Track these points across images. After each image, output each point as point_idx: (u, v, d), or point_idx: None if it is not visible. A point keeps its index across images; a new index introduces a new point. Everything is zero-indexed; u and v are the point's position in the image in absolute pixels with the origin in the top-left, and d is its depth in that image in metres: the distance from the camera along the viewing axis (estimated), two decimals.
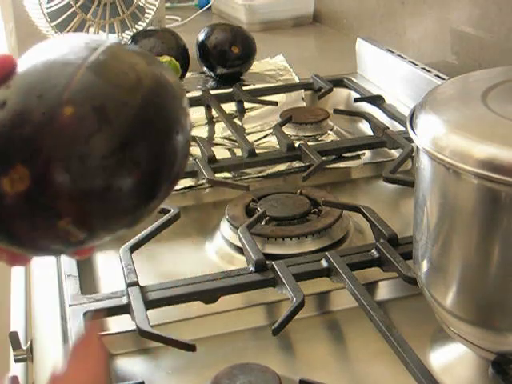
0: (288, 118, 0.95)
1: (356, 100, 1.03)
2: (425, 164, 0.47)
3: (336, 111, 0.99)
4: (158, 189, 0.34)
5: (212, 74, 1.14)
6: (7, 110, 0.31)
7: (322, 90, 1.05)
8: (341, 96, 1.09)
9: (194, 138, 0.90)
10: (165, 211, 0.71)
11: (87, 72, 0.31)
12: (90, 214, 0.32)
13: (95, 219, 0.32)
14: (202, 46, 1.13)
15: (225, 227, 0.72)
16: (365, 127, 0.99)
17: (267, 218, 0.72)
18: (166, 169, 0.34)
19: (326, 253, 0.63)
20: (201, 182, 0.81)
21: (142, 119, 0.32)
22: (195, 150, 0.89)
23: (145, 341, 0.57)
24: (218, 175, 0.81)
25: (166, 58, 1.07)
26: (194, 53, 1.14)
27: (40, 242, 0.33)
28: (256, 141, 0.95)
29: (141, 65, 0.33)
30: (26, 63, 0.33)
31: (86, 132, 0.30)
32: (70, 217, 0.31)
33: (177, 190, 0.80)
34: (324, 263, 0.62)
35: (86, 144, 0.30)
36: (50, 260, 0.69)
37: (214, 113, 1.01)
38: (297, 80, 1.13)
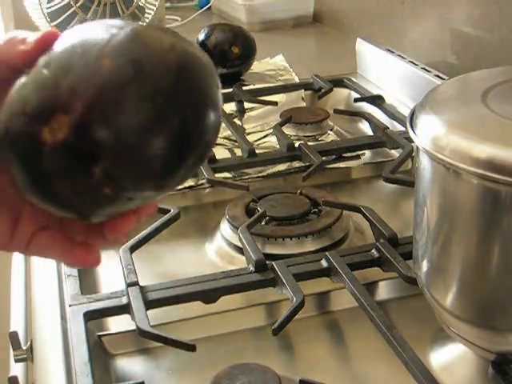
0: (288, 117, 0.95)
1: (356, 100, 1.03)
2: (425, 164, 0.47)
3: (336, 111, 0.99)
4: (187, 153, 0.35)
5: None
6: (52, 68, 0.34)
7: (322, 90, 1.05)
8: (341, 96, 1.09)
9: None
10: (165, 211, 0.71)
11: (126, 34, 0.34)
12: (122, 162, 0.33)
13: (125, 169, 0.34)
14: (202, 46, 1.13)
15: (225, 227, 0.72)
16: (365, 127, 0.99)
17: (267, 218, 0.72)
18: (196, 134, 0.35)
19: (326, 253, 0.63)
20: (201, 182, 0.81)
21: (174, 79, 0.34)
22: None
23: (145, 341, 0.57)
24: (218, 175, 0.81)
25: None
26: None
27: (75, 195, 0.34)
28: (256, 141, 0.95)
29: (174, 38, 0.35)
30: (69, 34, 0.36)
31: (122, 80, 0.32)
32: (104, 163, 0.33)
33: (177, 190, 0.80)
34: (324, 263, 0.62)
35: (122, 91, 0.32)
36: (49, 260, 0.69)
37: None
38: (297, 80, 1.13)
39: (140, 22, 0.32)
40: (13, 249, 0.41)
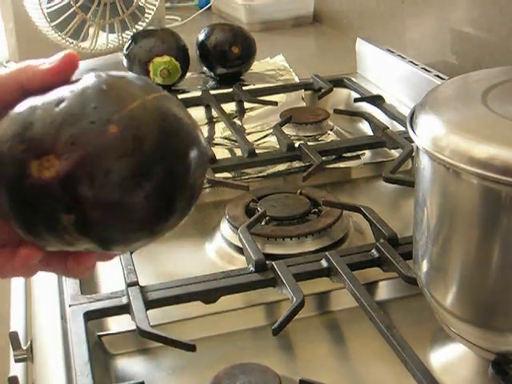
0: (288, 117, 0.95)
1: (356, 100, 1.03)
2: (425, 164, 0.47)
3: (336, 111, 0.99)
4: (166, 215, 0.37)
5: (212, 74, 1.14)
6: (62, 109, 0.35)
7: (322, 90, 1.05)
8: (341, 96, 1.09)
9: None
10: None
11: (140, 106, 0.35)
12: (93, 221, 0.35)
13: (95, 228, 0.35)
14: (202, 45, 1.13)
15: (225, 227, 0.72)
16: (365, 127, 0.99)
17: (267, 217, 0.72)
18: (172, 204, 0.37)
19: (326, 253, 0.63)
20: None
21: (167, 159, 0.36)
22: None
23: (145, 341, 0.57)
24: (218, 175, 0.81)
25: (166, 58, 1.07)
26: (193, 53, 1.14)
27: (40, 229, 0.36)
28: (256, 141, 0.95)
29: (183, 119, 0.37)
30: (94, 77, 0.36)
31: (118, 152, 0.34)
32: (74, 216, 0.34)
33: None
34: (324, 263, 0.62)
35: (115, 162, 0.34)
36: None
37: (214, 113, 1.01)
38: (297, 80, 1.13)
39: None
40: None
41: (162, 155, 0.35)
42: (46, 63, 0.38)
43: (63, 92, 0.35)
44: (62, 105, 0.35)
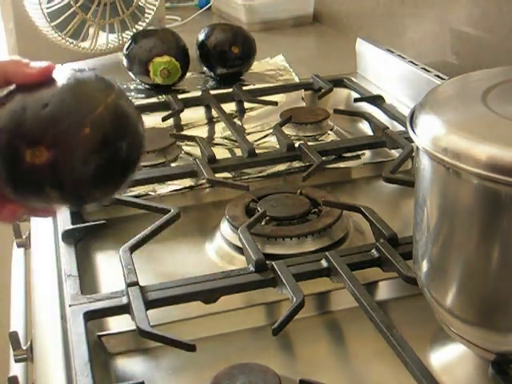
0: (288, 117, 0.95)
1: (356, 100, 1.03)
2: (425, 164, 0.47)
3: (336, 111, 0.99)
4: (116, 185, 0.50)
5: (212, 74, 1.14)
6: (48, 112, 0.46)
7: (322, 90, 1.05)
8: (341, 96, 1.09)
9: (193, 138, 0.90)
10: (165, 211, 0.71)
11: (104, 110, 0.47)
12: (71, 191, 0.48)
13: (72, 196, 0.48)
14: (202, 45, 1.13)
15: (225, 227, 0.72)
16: (365, 127, 0.99)
17: (267, 218, 0.72)
18: (121, 174, 0.50)
19: (326, 253, 0.63)
20: (201, 182, 0.81)
21: (121, 146, 0.48)
22: (195, 150, 0.89)
23: (145, 341, 0.57)
24: (218, 175, 0.81)
25: (166, 58, 1.07)
26: (193, 53, 1.14)
27: (30, 197, 0.48)
28: (256, 141, 0.95)
29: (131, 113, 0.50)
30: (68, 80, 0.48)
31: (90, 147, 0.46)
32: (58, 189, 0.47)
33: (177, 190, 0.80)
34: (324, 263, 0.62)
35: (89, 154, 0.46)
36: (49, 260, 0.69)
37: (214, 113, 1.01)
38: (297, 80, 1.13)
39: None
40: None
41: (118, 144, 0.47)
42: (28, 67, 0.48)
43: (47, 95, 0.46)
44: (47, 109, 0.46)
